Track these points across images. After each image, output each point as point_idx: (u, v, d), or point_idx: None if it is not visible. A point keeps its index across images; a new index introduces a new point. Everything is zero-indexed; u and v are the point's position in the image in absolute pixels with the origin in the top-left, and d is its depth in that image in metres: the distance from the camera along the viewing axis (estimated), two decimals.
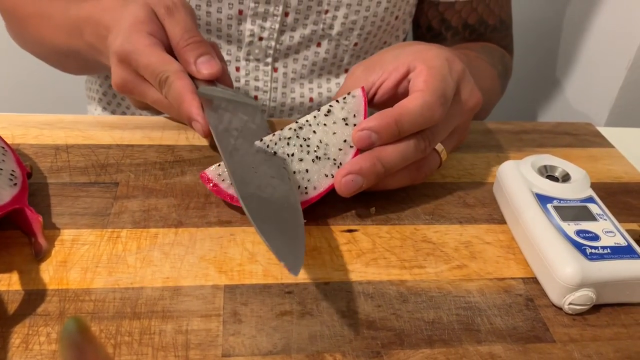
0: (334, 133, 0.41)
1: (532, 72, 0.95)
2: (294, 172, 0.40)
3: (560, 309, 0.36)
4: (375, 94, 0.43)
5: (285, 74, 0.63)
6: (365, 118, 0.42)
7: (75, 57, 0.56)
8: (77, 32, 0.52)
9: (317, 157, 0.41)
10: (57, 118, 0.50)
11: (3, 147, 0.41)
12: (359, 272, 0.37)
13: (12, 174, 0.39)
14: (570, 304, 0.35)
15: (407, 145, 0.39)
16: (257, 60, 0.61)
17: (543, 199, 0.40)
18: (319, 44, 0.62)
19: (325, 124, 0.41)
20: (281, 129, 0.42)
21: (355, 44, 0.62)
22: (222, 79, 0.46)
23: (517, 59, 0.96)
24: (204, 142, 0.49)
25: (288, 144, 0.41)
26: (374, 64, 0.44)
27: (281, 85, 0.63)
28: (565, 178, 0.42)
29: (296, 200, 0.38)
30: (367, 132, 0.38)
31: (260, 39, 0.60)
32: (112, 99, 0.72)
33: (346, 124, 0.41)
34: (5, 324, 0.32)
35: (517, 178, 0.42)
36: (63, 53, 0.57)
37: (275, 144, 0.41)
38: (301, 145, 0.41)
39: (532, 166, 0.42)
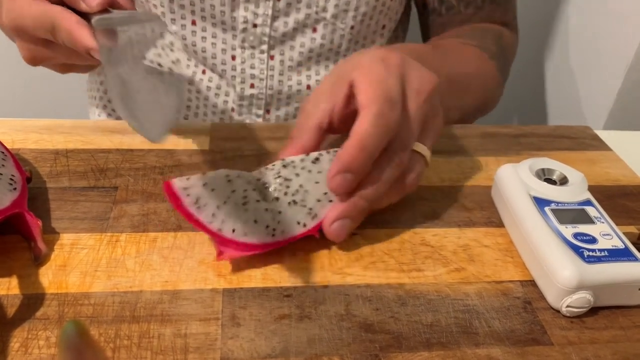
0: (317, 182, 0.39)
1: (530, 75, 0.95)
2: (265, 210, 0.38)
3: (558, 311, 0.36)
4: (331, 119, 0.40)
5: (281, 61, 0.62)
6: None
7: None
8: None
9: (293, 201, 0.39)
10: (57, 123, 0.50)
11: (3, 152, 0.41)
12: (357, 275, 0.38)
13: (11, 179, 0.39)
14: (568, 306, 0.35)
15: (381, 169, 0.38)
16: (252, 47, 0.61)
17: (541, 202, 0.40)
18: (314, 29, 0.61)
19: (310, 171, 0.39)
20: (272, 164, 0.40)
21: (352, 27, 0.61)
22: (117, 4, 0.43)
23: (515, 61, 0.96)
24: (204, 146, 0.49)
25: (276, 178, 0.39)
26: (318, 94, 0.42)
27: (278, 73, 0.62)
28: (563, 181, 0.42)
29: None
30: (340, 176, 0.36)
31: (254, 25, 0.59)
32: None
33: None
34: (4, 328, 0.32)
35: (515, 181, 0.42)
36: None
37: (268, 174, 0.39)
38: (280, 184, 0.39)
39: (530, 169, 0.43)
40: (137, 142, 0.49)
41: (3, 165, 0.40)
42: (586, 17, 0.80)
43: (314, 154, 0.40)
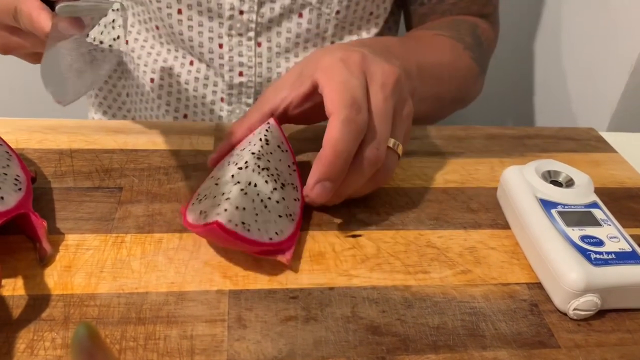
0: (280, 160, 0.42)
1: (533, 77, 0.95)
2: (277, 202, 0.39)
3: (565, 314, 0.36)
4: (287, 109, 0.44)
5: (269, 48, 0.62)
6: (287, 144, 0.44)
7: None
8: None
9: (282, 184, 0.40)
10: (61, 123, 0.50)
11: (7, 152, 0.41)
12: (363, 277, 0.37)
13: (16, 179, 0.39)
14: (575, 309, 0.35)
15: (355, 167, 0.39)
16: (240, 35, 0.60)
17: (547, 204, 0.40)
18: (300, 15, 0.60)
19: (270, 153, 0.41)
20: (244, 161, 0.39)
21: (337, 12, 0.61)
22: None
23: (518, 64, 0.96)
24: (209, 147, 0.49)
25: (259, 173, 0.39)
26: (281, 84, 0.45)
27: (266, 60, 0.62)
28: (569, 183, 0.42)
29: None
30: (319, 185, 0.38)
31: (241, 12, 0.59)
32: (112, 103, 0.72)
33: (282, 150, 0.43)
34: (10, 329, 0.32)
35: (521, 183, 0.42)
36: None
37: (251, 173, 0.39)
38: (268, 175, 0.39)
39: (535, 171, 0.42)
40: (141, 142, 0.49)
41: (8, 166, 0.40)
42: (589, 18, 0.80)
43: (262, 138, 0.42)
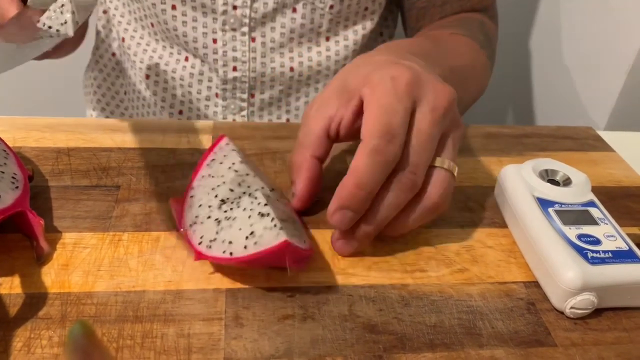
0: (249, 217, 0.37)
1: (532, 76, 0.95)
2: (214, 218, 0.37)
3: (562, 313, 0.36)
4: (337, 130, 0.40)
5: (263, 43, 0.62)
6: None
7: None
8: None
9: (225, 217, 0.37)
10: (58, 121, 0.50)
11: (5, 150, 0.41)
12: (360, 275, 0.37)
13: (13, 177, 0.39)
14: (571, 308, 0.35)
15: (385, 193, 0.36)
16: (233, 30, 0.61)
17: (544, 203, 0.40)
18: (294, 9, 0.60)
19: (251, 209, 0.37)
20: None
21: (331, 7, 0.61)
22: None
23: (517, 63, 0.96)
24: (206, 145, 0.49)
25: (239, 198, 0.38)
26: (323, 100, 0.41)
27: (260, 55, 0.62)
28: (567, 182, 0.42)
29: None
30: (339, 213, 0.36)
31: (235, 7, 0.59)
32: (110, 100, 0.72)
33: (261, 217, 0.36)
34: (7, 327, 0.32)
35: (518, 182, 0.42)
36: None
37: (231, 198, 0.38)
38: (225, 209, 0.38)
39: (533, 170, 0.43)
40: (138, 140, 0.49)
41: (5, 164, 0.40)
42: (588, 17, 0.80)
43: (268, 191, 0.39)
